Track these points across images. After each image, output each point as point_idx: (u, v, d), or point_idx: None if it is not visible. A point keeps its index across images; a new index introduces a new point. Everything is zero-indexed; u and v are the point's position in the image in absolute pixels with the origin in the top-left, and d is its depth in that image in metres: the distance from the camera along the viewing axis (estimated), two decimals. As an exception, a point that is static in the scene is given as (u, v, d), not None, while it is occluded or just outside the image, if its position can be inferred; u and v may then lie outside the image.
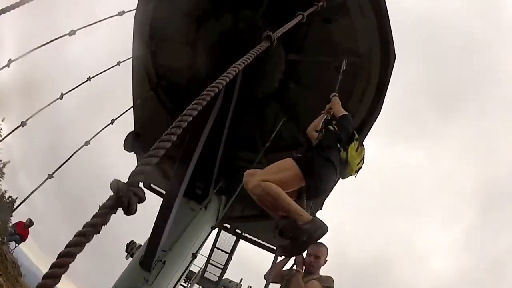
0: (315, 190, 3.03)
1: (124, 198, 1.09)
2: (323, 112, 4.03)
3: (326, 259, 3.43)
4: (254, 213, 7.34)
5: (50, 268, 0.96)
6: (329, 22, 5.87)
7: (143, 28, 6.73)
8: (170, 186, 5.47)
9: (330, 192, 3.36)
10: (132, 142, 7.90)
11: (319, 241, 3.34)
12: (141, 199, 1.14)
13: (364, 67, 6.25)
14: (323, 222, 2.66)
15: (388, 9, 5.68)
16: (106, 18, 6.59)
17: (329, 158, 3.05)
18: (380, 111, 6.50)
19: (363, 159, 3.43)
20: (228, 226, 8.78)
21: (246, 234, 8.69)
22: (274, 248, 8.76)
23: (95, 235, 1.05)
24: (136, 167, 1.25)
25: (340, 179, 3.52)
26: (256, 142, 6.54)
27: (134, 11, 6.60)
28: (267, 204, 2.85)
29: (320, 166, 2.99)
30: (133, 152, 8.25)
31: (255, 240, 9.09)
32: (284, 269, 3.53)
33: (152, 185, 9.06)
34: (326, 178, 3.03)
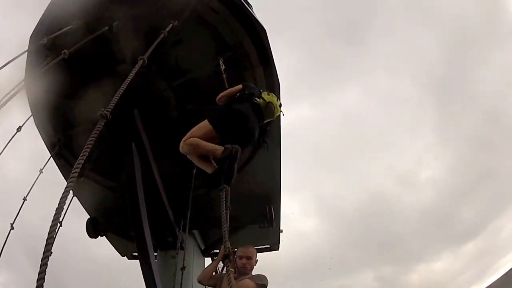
0: (232, 137, 3.48)
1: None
2: None
3: (257, 259, 3.77)
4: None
5: None
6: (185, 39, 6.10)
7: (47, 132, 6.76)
8: (140, 250, 5.66)
9: (253, 138, 3.78)
10: (94, 228, 8.05)
11: (247, 245, 3.77)
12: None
13: (241, 54, 6.59)
14: (232, 145, 3.19)
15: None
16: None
17: (237, 109, 3.69)
18: (278, 83, 6.84)
19: (279, 98, 4.23)
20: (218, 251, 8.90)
21: (235, 250, 8.78)
22: (267, 246, 8.99)
23: None
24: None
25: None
26: (192, 172, 6.27)
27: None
28: (197, 157, 3.45)
29: (224, 116, 3.69)
30: (99, 236, 8.35)
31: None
32: (216, 272, 3.85)
33: (134, 253, 9.08)
34: (236, 125, 3.58)
